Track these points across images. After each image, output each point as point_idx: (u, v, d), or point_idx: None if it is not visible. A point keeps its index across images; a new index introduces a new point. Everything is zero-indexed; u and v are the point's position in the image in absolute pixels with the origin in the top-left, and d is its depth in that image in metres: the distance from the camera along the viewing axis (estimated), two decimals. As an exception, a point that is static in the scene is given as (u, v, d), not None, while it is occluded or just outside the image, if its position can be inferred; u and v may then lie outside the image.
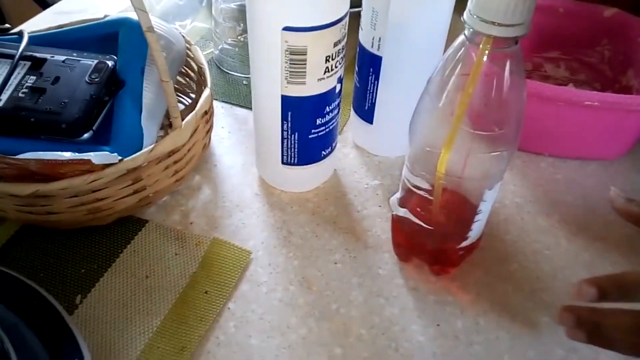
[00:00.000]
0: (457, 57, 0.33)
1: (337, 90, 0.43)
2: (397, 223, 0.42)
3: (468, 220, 0.38)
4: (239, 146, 0.53)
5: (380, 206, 0.47)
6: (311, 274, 0.42)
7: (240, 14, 0.59)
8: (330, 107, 0.43)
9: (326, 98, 0.42)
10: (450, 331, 0.39)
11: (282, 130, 0.43)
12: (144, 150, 0.41)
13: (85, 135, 0.42)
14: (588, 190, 0.50)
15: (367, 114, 0.49)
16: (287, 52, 0.39)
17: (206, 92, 0.46)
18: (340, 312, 0.40)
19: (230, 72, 0.61)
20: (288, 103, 0.41)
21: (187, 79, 0.55)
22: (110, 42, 0.47)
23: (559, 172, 0.51)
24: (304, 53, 0.39)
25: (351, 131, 0.54)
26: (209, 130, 0.49)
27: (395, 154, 0.51)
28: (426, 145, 0.36)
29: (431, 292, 0.41)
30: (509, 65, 0.32)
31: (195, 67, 0.52)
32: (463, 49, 0.33)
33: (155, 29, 0.50)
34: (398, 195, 0.40)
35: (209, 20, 0.68)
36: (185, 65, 0.54)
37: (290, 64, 0.39)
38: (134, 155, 0.40)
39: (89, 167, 0.38)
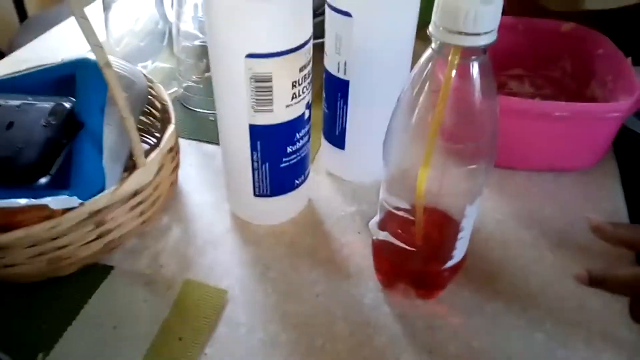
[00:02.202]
0: (425, 73, 0.32)
1: (306, 116, 0.42)
2: (378, 248, 0.40)
3: (451, 239, 0.37)
4: (209, 182, 0.51)
5: (359, 233, 0.46)
6: (292, 310, 0.40)
7: (203, 51, 0.58)
8: (301, 134, 0.41)
9: (296, 125, 0.41)
10: (444, 358, 0.37)
11: (252, 160, 0.41)
12: (105, 191, 0.39)
13: (43, 181, 0.40)
14: (565, 202, 0.49)
15: (338, 139, 0.48)
16: (252, 80, 0.37)
17: (170, 129, 0.44)
18: (326, 348, 0.37)
19: (195, 110, 0.60)
20: (257, 132, 0.40)
21: (151, 118, 0.53)
22: (68, 85, 0.45)
23: (534, 186, 0.51)
24: (269, 80, 0.37)
25: (323, 159, 0.53)
26: (176, 168, 0.47)
27: (370, 178, 0.50)
28: (402, 164, 0.35)
29: (420, 317, 0.39)
30: (478, 76, 0.31)
31: (159, 105, 0.50)
32: (431, 63, 0.32)
33: (115, 68, 0.49)
34: (377, 218, 0.39)
35: (171, 60, 0.66)
36: (149, 105, 0.52)
37: (256, 91, 0.38)
38: (95, 198, 0.38)
39: (47, 213, 0.36)
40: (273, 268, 0.43)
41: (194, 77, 0.60)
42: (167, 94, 0.49)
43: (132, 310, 0.39)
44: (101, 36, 0.67)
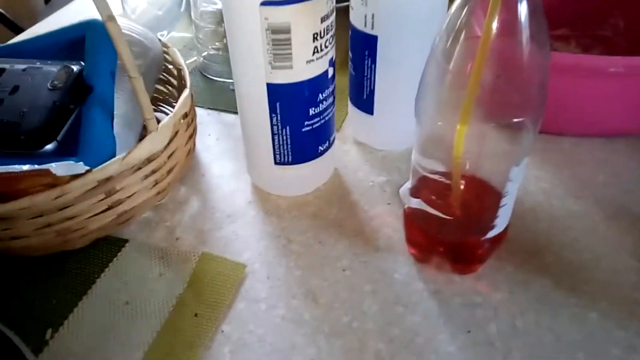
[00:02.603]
0: (463, 14, 0.28)
1: (330, 74, 0.38)
2: (411, 217, 0.36)
3: (493, 205, 0.33)
4: (229, 153, 0.48)
5: (389, 204, 0.42)
6: (317, 285, 0.36)
7: (222, 16, 0.55)
8: (324, 95, 0.38)
9: (318, 83, 0.37)
10: (484, 337, 0.33)
11: (272, 124, 0.38)
12: (115, 158, 0.36)
13: (49, 147, 0.37)
14: (618, 169, 0.44)
15: (366, 103, 0.44)
16: (268, 32, 0.34)
17: (185, 93, 0.41)
18: (353, 326, 0.34)
19: (216, 79, 0.57)
20: (275, 92, 0.36)
21: (169, 87, 0.50)
22: (79, 48, 0.43)
23: (583, 152, 0.46)
24: (287, 31, 0.34)
25: (350, 127, 0.49)
26: (192, 135, 0.44)
27: (401, 146, 0.46)
28: (437, 122, 0.31)
29: (457, 294, 0.35)
30: (527, 15, 0.27)
31: (175, 73, 0.47)
32: (470, 1, 0.28)
33: (128, 32, 0.46)
34: (409, 184, 0.35)
35: (190, 29, 0.63)
36: (166, 73, 0.49)
37: (273, 45, 0.34)
38: (104, 165, 0.35)
39: (51, 180, 0.33)
40: (296, 241, 0.39)
41: (213, 44, 0.57)
42: (183, 59, 0.46)
43: (146, 285, 0.37)
44: (117, 6, 0.65)
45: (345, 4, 0.42)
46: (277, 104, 0.37)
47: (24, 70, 0.40)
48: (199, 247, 0.39)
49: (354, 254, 0.38)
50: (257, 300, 0.36)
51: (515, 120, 0.29)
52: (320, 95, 0.37)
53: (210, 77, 0.57)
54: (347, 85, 0.47)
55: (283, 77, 0.36)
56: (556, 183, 0.43)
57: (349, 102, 0.47)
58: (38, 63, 0.41)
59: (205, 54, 0.57)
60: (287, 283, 0.37)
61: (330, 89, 0.38)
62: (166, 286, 0.37)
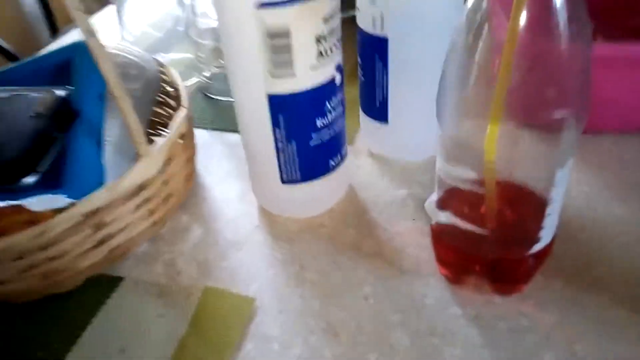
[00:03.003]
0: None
1: (338, 81, 0.34)
2: (439, 234, 0.32)
3: (537, 215, 0.28)
4: (232, 174, 0.44)
5: (413, 220, 0.37)
6: (336, 317, 0.32)
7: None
8: (332, 104, 0.34)
9: (324, 92, 0.33)
10: (537, 370, 0.28)
11: (276, 139, 0.34)
12: (102, 188, 0.32)
13: (30, 180, 0.33)
14: (670, 166, 0.39)
15: (379, 111, 0.40)
16: (266, 37, 0.30)
17: (182, 113, 0.38)
18: (381, 364, 0.29)
19: (218, 98, 0.53)
20: (277, 104, 0.32)
21: (168, 109, 0.47)
22: (65, 72, 0.40)
23: (625, 151, 0.41)
24: (286, 35, 0.30)
25: (364, 140, 0.45)
26: (191, 159, 0.40)
27: (422, 156, 0.42)
28: (463, 124, 0.26)
29: (500, 317, 0.31)
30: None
31: (173, 93, 0.44)
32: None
33: (123, 54, 0.43)
34: (435, 197, 0.31)
35: (191, 50, 0.60)
36: (164, 94, 0.46)
37: (272, 51, 0.31)
38: (89, 196, 0.32)
39: (28, 217, 0.30)
40: (310, 268, 0.35)
41: (215, 62, 0.53)
42: (180, 79, 0.42)
43: (144, 328, 0.33)
44: (115, 32, 0.62)
45: (351, 13, 0.39)
46: (280, 117, 0.33)
47: (7, 98, 0.37)
48: (202, 281, 0.35)
49: (376, 278, 0.34)
50: (269, 339, 0.31)
51: (554, 116, 0.25)
52: (327, 104, 0.33)
53: (212, 96, 0.53)
54: (357, 95, 0.43)
55: (285, 87, 0.32)
56: (599, 186, 0.38)
57: (361, 113, 0.43)
58: (22, 90, 0.38)
59: (207, 73, 0.54)
60: (302, 317, 0.32)
61: (339, 97, 0.34)
62: (166, 328, 0.32)
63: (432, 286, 0.33)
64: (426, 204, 0.31)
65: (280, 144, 0.34)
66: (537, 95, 0.25)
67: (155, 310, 0.33)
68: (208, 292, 0.34)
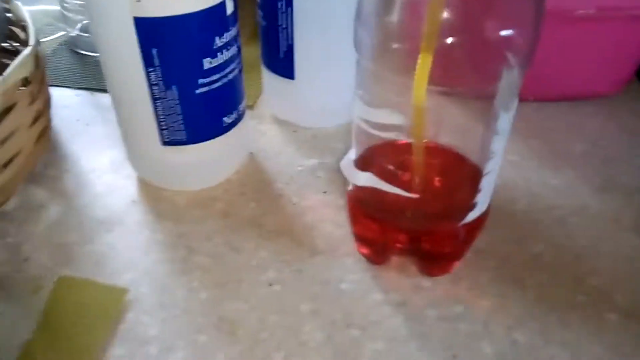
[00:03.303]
0: None
1: (230, 9, 0.27)
2: (358, 203, 0.26)
3: (473, 174, 0.23)
4: (105, 141, 0.35)
5: (325, 192, 0.32)
6: (233, 310, 0.25)
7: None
8: (223, 40, 0.27)
9: (212, 20, 0.26)
10: (476, 363, 0.23)
11: (150, 84, 0.26)
12: None
13: None
14: (596, 134, 0.37)
15: (284, 64, 0.34)
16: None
17: (25, 52, 0.29)
18: (289, 366, 0.23)
19: (88, 54, 0.44)
20: (148, 31, 0.25)
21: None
22: None
23: (551, 118, 0.38)
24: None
25: (268, 103, 0.38)
26: (43, 113, 0.31)
27: (335, 121, 0.36)
28: (389, 46, 0.21)
29: (430, 304, 0.25)
30: None
31: (23, 35, 0.35)
32: None
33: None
34: (352, 154, 0.25)
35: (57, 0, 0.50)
36: (12, 39, 0.36)
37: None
38: None
39: None
40: (200, 251, 0.28)
41: (84, 14, 0.44)
42: (26, 13, 0.33)
43: (-29, 333, 0.24)
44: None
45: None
46: (154, 52, 0.25)
47: None
48: (57, 269, 0.27)
49: (282, 261, 0.28)
50: (145, 342, 0.24)
51: (499, 35, 0.20)
52: (217, 39, 0.26)
53: (81, 52, 0.44)
54: (259, 57, 0.36)
55: (157, 6, 0.24)
56: (527, 155, 0.35)
57: (263, 70, 0.36)
58: None
59: (78, 26, 0.45)
60: (189, 311, 0.25)
61: (232, 34, 0.27)
62: (6, 331, 0.24)
63: (349, 269, 0.27)
64: (342, 163, 0.25)
65: (156, 90, 0.27)
66: (479, 17, 0.20)
67: (-13, 310, 0.25)
68: (63, 282, 0.26)
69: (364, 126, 0.23)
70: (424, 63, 0.19)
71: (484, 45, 0.21)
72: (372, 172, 0.24)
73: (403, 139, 0.23)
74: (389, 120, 0.22)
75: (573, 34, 0.36)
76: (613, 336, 0.24)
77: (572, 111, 0.39)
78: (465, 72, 0.22)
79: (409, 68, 0.20)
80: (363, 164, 0.25)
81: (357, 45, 0.22)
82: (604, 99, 0.40)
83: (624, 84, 0.40)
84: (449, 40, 0.20)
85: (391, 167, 0.24)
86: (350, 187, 0.26)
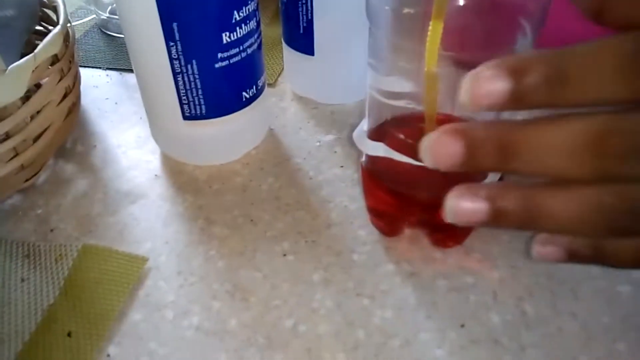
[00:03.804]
0: None
1: (249, -14, 0.27)
2: (372, 175, 0.26)
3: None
4: (132, 119, 0.37)
5: (342, 166, 0.32)
6: (247, 278, 0.26)
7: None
8: (241, 14, 0.27)
9: (230, -4, 0.26)
10: (484, 332, 0.23)
11: (171, 58, 0.27)
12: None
13: None
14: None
15: (303, 40, 0.34)
16: None
17: (55, 30, 0.30)
18: (299, 331, 0.24)
19: (117, 35, 0.46)
20: (169, 6, 0.26)
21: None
22: None
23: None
24: None
25: (288, 80, 0.39)
26: (72, 90, 0.32)
27: (354, 98, 0.36)
28: (401, 11, 0.21)
29: (440, 275, 0.26)
30: None
31: (54, 16, 0.36)
32: None
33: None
34: (365, 125, 0.25)
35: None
36: (45, 22, 0.38)
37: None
38: None
39: None
40: (218, 222, 0.29)
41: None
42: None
43: (3, 295, 0.26)
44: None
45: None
46: (175, 26, 0.26)
47: None
48: (81, 239, 0.28)
49: (297, 232, 0.28)
50: (161, 307, 0.25)
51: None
52: (235, 14, 0.27)
53: (111, 34, 0.46)
54: (280, 33, 0.37)
55: (178, -16, 0.25)
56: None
57: (284, 47, 0.37)
58: None
59: (108, 9, 0.46)
60: (205, 279, 0.26)
61: (251, 8, 0.28)
62: (30, 296, 0.25)
63: (362, 240, 0.28)
64: (354, 134, 0.25)
65: (177, 65, 0.27)
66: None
67: (17, 274, 0.26)
68: (86, 251, 0.27)
69: (376, 95, 0.24)
70: (435, 30, 0.19)
71: (496, 10, 0.21)
72: (384, 142, 0.24)
73: (414, 106, 0.23)
74: (399, 88, 0.22)
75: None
76: (625, 308, 0.24)
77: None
78: (479, 40, 0.21)
79: (420, 33, 0.20)
80: (376, 134, 0.25)
81: (369, 13, 0.22)
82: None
83: None
84: (461, 2, 0.20)
85: (403, 137, 0.24)
86: (363, 159, 0.26)
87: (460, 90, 0.16)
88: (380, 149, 0.24)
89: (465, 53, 0.21)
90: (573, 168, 0.16)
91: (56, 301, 0.25)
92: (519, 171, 0.17)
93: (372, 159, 0.26)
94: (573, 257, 0.19)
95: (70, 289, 0.26)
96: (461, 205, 0.17)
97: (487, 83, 0.15)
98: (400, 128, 0.24)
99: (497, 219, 0.17)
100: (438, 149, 0.17)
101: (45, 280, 0.26)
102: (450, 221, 0.18)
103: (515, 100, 0.15)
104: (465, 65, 0.22)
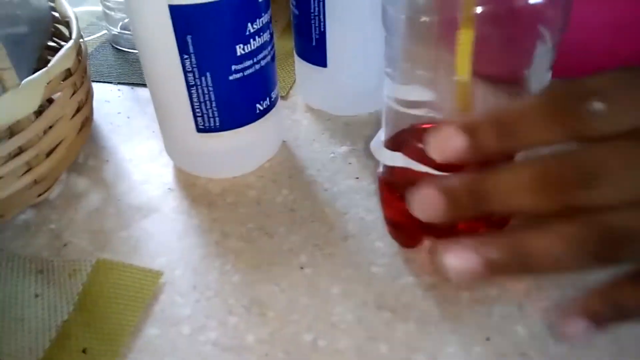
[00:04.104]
0: None
1: (262, -3, 0.27)
2: (389, 185, 0.26)
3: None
4: (144, 133, 0.36)
5: (357, 178, 0.32)
6: (264, 292, 0.26)
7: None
8: (255, 26, 0.27)
9: (244, 7, 0.26)
10: (511, 345, 0.23)
11: (185, 71, 0.27)
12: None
13: None
14: None
15: (316, 52, 0.34)
16: None
17: (68, 45, 0.30)
18: (319, 346, 0.23)
19: (129, 50, 0.46)
20: (183, 18, 0.25)
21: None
22: None
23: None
24: None
25: (300, 92, 0.39)
26: (84, 104, 0.32)
27: (367, 109, 0.36)
28: (419, 15, 0.21)
29: (463, 287, 0.25)
30: None
31: (67, 32, 0.36)
32: None
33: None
34: (382, 135, 0.25)
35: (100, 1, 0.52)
36: (58, 37, 0.38)
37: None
38: None
39: None
40: (233, 236, 0.29)
41: (125, 13, 0.46)
42: (70, 9, 0.34)
43: (16, 312, 0.25)
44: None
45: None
46: (189, 39, 0.26)
47: None
48: (95, 254, 0.28)
49: (314, 245, 0.28)
50: (178, 322, 0.24)
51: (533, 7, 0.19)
52: (249, 26, 0.27)
53: (123, 49, 0.46)
54: (292, 48, 0.36)
55: (192, -4, 0.25)
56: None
57: (296, 60, 0.37)
58: None
59: (119, 24, 0.46)
60: (221, 293, 0.26)
61: (264, 20, 0.28)
62: (43, 311, 0.25)
63: (380, 252, 0.27)
64: (372, 144, 0.25)
65: (191, 77, 0.27)
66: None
67: (31, 290, 0.26)
68: (100, 266, 0.27)
69: (393, 105, 0.23)
70: (466, 38, 0.19)
71: (514, 18, 0.21)
72: (402, 152, 0.24)
73: (433, 115, 0.22)
74: (417, 97, 0.22)
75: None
76: None
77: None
78: (497, 50, 0.21)
79: (438, 41, 0.20)
80: (393, 144, 0.24)
81: (385, 22, 0.22)
82: None
83: None
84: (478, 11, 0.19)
85: (421, 146, 0.23)
86: (381, 170, 0.26)
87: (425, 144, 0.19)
88: (398, 159, 0.24)
89: (483, 63, 0.20)
90: (540, 203, 0.18)
91: (70, 317, 0.25)
92: (497, 212, 0.19)
93: (389, 170, 0.25)
94: (598, 320, 0.19)
95: (84, 304, 0.25)
96: (452, 262, 0.19)
97: (448, 140, 0.19)
98: (419, 137, 0.24)
99: (490, 270, 0.19)
100: (423, 203, 0.20)
101: (59, 296, 0.26)
102: (449, 278, 0.20)
103: (473, 152, 0.19)
104: (483, 75, 0.21)
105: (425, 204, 0.20)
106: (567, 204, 0.18)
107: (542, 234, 0.18)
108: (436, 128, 0.19)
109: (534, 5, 0.20)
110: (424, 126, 0.24)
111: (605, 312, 0.19)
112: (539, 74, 0.22)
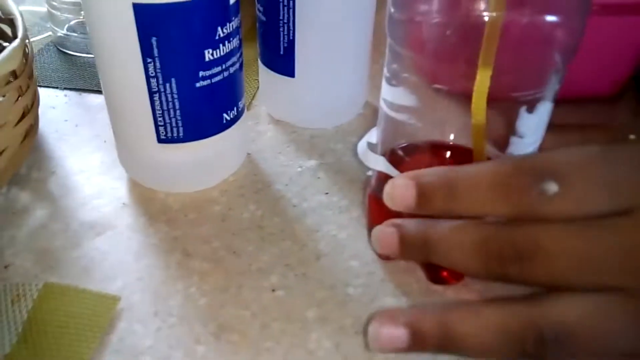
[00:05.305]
0: None
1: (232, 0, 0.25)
2: (380, 201, 0.25)
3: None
4: (94, 142, 0.34)
5: (327, 193, 0.30)
6: (234, 317, 0.24)
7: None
8: (226, 30, 0.25)
9: (214, 10, 0.25)
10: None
11: (148, 76, 0.25)
12: None
13: None
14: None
15: (283, 61, 0.32)
16: None
17: (13, 44, 0.27)
18: (296, 376, 0.21)
19: (77, 54, 0.43)
20: (148, 19, 0.23)
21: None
22: None
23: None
24: None
25: (264, 102, 0.37)
26: (29, 112, 0.29)
27: (335, 121, 0.35)
28: (419, 17, 0.20)
29: (445, 309, 0.24)
30: None
31: (9, 31, 0.33)
32: None
33: None
34: (373, 136, 0.24)
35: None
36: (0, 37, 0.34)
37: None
38: None
39: None
40: (197, 255, 0.26)
41: (75, 14, 0.43)
42: (14, 7, 0.31)
43: (-53, 347, 0.22)
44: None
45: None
46: (154, 41, 0.24)
47: None
48: (41, 277, 0.25)
49: (285, 265, 0.26)
50: (138, 354, 0.22)
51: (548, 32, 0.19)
52: (219, 30, 0.25)
53: (70, 53, 0.43)
54: (255, 55, 0.35)
55: (158, -5, 0.23)
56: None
57: (260, 68, 0.35)
58: None
59: (66, 26, 0.43)
60: (186, 319, 0.23)
61: (234, 25, 0.26)
62: (-19, 345, 0.22)
63: (355, 272, 0.26)
64: (359, 146, 0.24)
65: (154, 83, 0.25)
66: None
67: (-35, 320, 0.23)
68: (48, 290, 0.24)
69: (383, 106, 0.22)
70: (483, 79, 0.18)
71: (527, 42, 0.20)
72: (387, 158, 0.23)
73: (414, 122, 0.22)
74: (402, 101, 0.21)
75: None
76: None
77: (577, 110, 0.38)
78: (510, 77, 0.21)
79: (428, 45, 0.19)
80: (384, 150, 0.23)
81: (391, 30, 0.21)
82: (602, 99, 0.39)
83: (621, 85, 0.39)
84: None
85: (402, 153, 0.22)
86: (371, 184, 0.25)
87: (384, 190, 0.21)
88: (380, 163, 0.23)
89: (496, 90, 0.19)
90: (471, 266, 0.20)
91: (14, 350, 0.22)
92: (439, 263, 0.21)
93: (382, 185, 0.24)
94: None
95: (30, 335, 0.22)
96: (382, 331, 0.20)
97: (402, 193, 0.21)
98: (410, 153, 0.23)
99: (416, 344, 0.20)
100: (382, 238, 0.23)
101: (0, 326, 0.23)
102: (375, 350, 0.21)
103: (419, 209, 0.21)
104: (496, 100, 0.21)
105: (383, 240, 0.22)
106: (496, 274, 0.19)
107: (473, 318, 0.19)
108: (395, 177, 0.21)
109: (548, 25, 0.19)
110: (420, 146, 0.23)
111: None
112: (552, 90, 0.22)
